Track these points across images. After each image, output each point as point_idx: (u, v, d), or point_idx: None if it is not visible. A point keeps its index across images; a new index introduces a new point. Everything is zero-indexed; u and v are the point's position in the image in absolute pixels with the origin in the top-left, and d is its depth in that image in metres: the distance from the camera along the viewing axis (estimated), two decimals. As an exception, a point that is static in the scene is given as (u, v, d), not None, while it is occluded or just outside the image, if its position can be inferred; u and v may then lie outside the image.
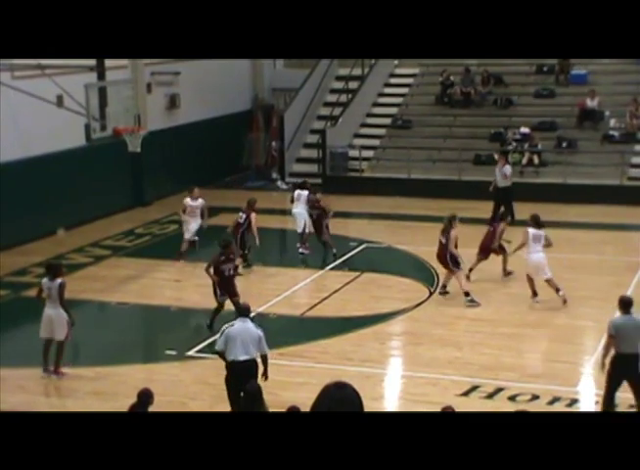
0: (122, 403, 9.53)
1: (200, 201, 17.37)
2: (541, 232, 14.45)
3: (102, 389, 11.72)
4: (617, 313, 10.48)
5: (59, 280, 11.88)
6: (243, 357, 9.98)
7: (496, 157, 20.50)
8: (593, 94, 23.50)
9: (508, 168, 19.63)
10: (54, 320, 11.93)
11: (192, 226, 17.29)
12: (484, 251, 15.68)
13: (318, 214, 17.30)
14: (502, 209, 18.28)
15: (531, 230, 14.47)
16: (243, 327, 10.12)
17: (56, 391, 11.82)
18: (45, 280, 11.97)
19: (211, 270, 13.38)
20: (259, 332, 10.14)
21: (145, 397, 8.95)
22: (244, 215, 16.50)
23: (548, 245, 14.41)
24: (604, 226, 17.85)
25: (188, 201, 17.38)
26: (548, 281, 14.43)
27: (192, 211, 17.30)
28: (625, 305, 10.39)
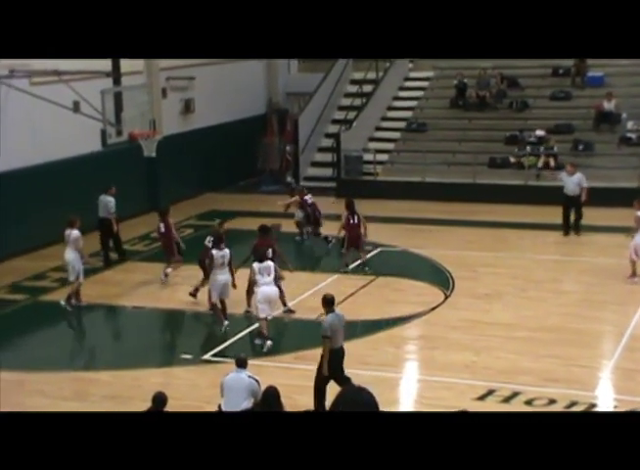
0: (138, 407, 9.54)
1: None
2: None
3: (118, 393, 11.75)
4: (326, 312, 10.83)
5: (227, 250, 13.87)
6: (234, 410, 9.48)
7: (566, 166, 19.64)
8: (610, 96, 23.37)
9: (578, 177, 18.95)
10: (228, 284, 13.91)
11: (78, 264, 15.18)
12: None
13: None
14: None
15: None
16: (236, 377, 9.70)
17: (74, 394, 11.86)
18: (215, 251, 13.86)
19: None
20: (253, 382, 9.63)
21: (159, 400, 8.97)
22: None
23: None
24: (621, 229, 17.71)
25: (75, 232, 15.12)
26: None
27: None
28: (330, 302, 10.87)
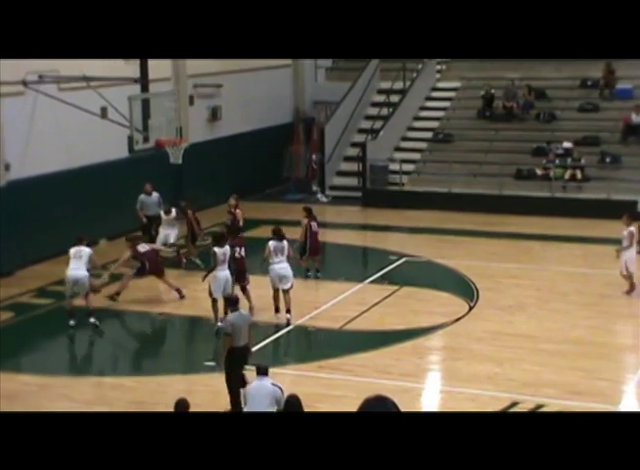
0: (162, 413, 9.60)
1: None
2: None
3: (142, 398, 11.81)
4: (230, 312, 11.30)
5: (227, 247, 14.45)
6: None
7: None
8: (639, 109, 23.21)
9: None
10: (229, 280, 14.36)
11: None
12: None
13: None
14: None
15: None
16: (260, 385, 9.68)
17: (98, 399, 11.95)
18: (217, 248, 14.34)
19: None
20: (277, 389, 9.56)
21: (181, 406, 9.00)
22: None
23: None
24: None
25: (88, 250, 15.09)
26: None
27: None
28: (234, 302, 11.42)
